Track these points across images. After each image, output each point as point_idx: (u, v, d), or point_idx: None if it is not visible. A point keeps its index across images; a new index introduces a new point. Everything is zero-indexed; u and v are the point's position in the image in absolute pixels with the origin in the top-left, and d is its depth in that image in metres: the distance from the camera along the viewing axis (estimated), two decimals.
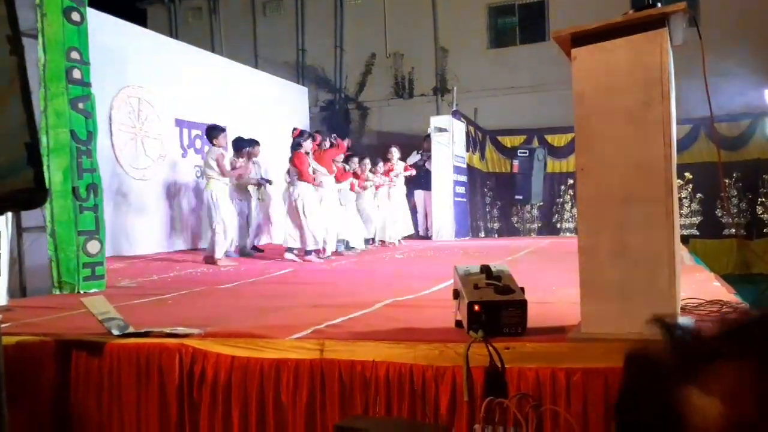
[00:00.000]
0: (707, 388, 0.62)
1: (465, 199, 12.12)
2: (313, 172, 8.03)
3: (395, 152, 10.52)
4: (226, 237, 7.58)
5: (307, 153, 7.98)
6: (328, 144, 8.69)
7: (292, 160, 7.97)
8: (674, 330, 0.67)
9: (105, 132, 8.28)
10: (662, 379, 0.65)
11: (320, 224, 7.87)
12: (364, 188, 9.46)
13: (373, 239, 9.83)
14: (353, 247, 8.96)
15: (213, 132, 7.96)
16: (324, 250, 8.01)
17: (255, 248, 8.92)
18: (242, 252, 8.48)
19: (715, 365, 0.63)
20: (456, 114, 11.78)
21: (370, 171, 9.70)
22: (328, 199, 8.35)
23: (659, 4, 2.56)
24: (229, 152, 8.31)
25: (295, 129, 8.38)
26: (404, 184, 10.91)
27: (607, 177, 2.58)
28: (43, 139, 4.91)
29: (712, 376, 0.62)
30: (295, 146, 7.95)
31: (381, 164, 9.97)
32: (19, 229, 4.95)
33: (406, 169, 10.77)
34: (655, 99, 2.49)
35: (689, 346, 0.65)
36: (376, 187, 9.89)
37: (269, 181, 9.11)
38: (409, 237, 11.09)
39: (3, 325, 3.05)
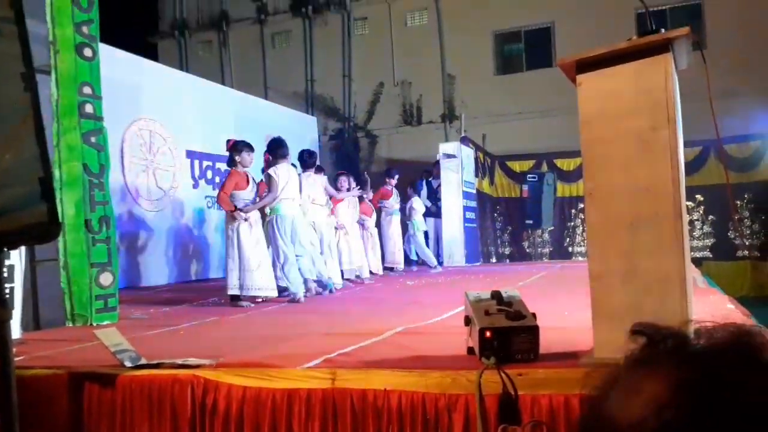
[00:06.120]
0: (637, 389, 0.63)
1: (475, 225, 12.11)
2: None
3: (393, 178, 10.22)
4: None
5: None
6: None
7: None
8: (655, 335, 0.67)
9: (117, 165, 8.36)
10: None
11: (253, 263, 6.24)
12: None
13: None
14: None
15: (312, 158, 7.39)
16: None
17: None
18: None
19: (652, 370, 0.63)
20: (464, 140, 11.83)
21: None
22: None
23: (663, 30, 2.59)
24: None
25: (228, 141, 6.78)
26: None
27: (616, 201, 2.59)
28: (56, 173, 4.97)
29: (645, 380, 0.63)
30: (230, 162, 6.55)
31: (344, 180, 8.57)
32: (32, 262, 4.98)
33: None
34: (661, 123, 2.51)
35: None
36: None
37: None
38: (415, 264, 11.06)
39: (17, 358, 3.07)
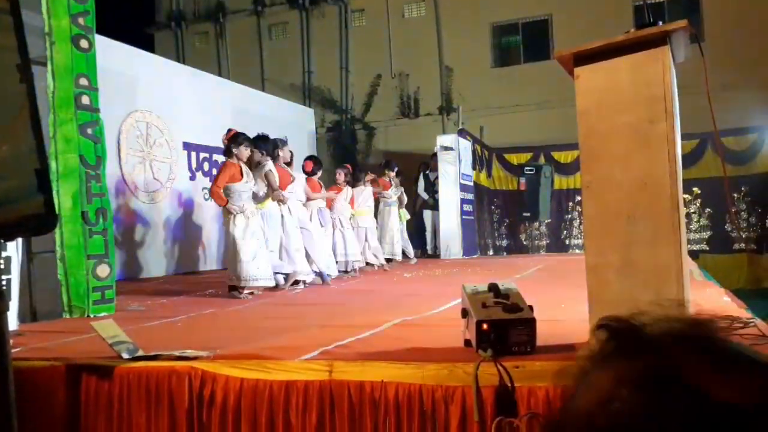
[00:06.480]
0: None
1: (473, 217, 12.12)
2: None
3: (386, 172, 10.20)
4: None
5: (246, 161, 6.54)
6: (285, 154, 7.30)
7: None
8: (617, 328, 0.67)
9: (114, 156, 8.35)
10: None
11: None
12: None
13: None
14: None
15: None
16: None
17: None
18: None
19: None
20: (462, 132, 11.82)
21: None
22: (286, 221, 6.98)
23: (661, 23, 2.58)
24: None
25: (229, 130, 6.77)
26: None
27: (613, 194, 2.59)
28: (53, 165, 4.95)
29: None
30: (227, 153, 6.52)
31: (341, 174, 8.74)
32: (29, 254, 4.98)
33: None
34: (658, 116, 2.51)
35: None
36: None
37: None
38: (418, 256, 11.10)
39: (14, 350, 3.07)
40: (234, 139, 6.42)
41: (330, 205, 8.27)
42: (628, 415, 0.58)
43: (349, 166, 9.04)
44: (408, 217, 10.92)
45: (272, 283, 6.43)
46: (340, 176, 8.54)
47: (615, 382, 0.61)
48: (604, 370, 0.63)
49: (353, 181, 8.91)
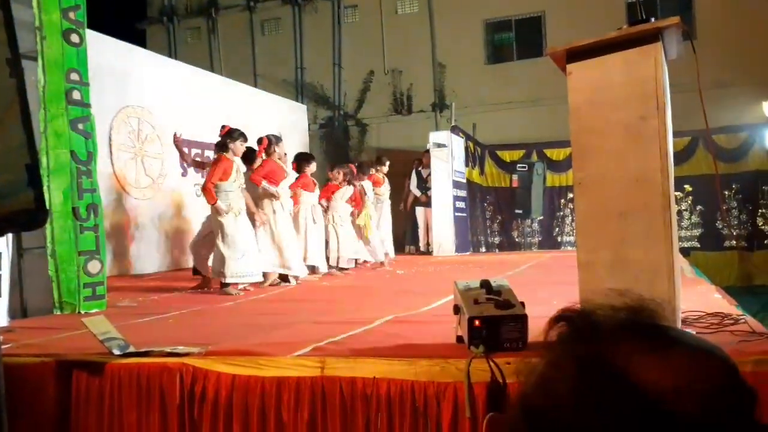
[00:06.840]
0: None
1: (465, 214, 12.12)
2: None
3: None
4: None
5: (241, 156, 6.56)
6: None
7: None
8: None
9: (105, 152, 8.30)
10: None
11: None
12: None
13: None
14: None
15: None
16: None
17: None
18: None
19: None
20: (455, 129, 11.81)
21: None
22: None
23: (653, 19, 2.59)
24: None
25: (223, 126, 6.69)
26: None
27: (605, 191, 2.59)
28: (43, 160, 4.93)
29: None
30: (222, 147, 6.46)
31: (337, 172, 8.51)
32: (19, 250, 4.95)
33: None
34: (650, 113, 2.51)
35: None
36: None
37: None
38: (410, 252, 11.08)
39: (4, 346, 3.05)
40: (230, 134, 6.40)
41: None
42: (558, 395, 0.61)
43: (352, 165, 8.94)
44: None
45: (259, 279, 6.43)
46: (339, 175, 8.46)
47: (552, 366, 0.65)
48: (547, 356, 0.67)
49: (361, 175, 8.86)
